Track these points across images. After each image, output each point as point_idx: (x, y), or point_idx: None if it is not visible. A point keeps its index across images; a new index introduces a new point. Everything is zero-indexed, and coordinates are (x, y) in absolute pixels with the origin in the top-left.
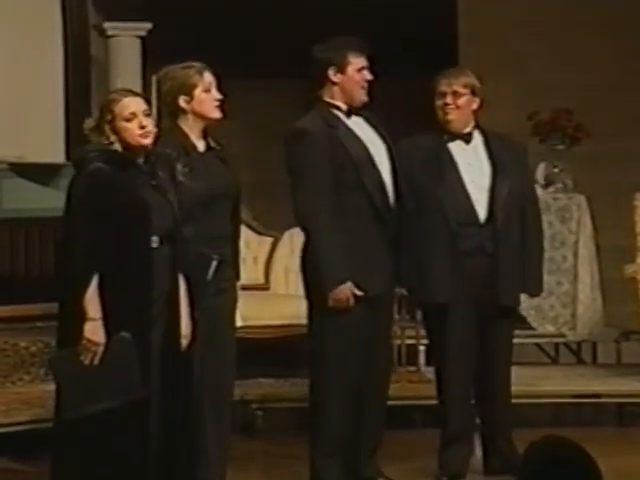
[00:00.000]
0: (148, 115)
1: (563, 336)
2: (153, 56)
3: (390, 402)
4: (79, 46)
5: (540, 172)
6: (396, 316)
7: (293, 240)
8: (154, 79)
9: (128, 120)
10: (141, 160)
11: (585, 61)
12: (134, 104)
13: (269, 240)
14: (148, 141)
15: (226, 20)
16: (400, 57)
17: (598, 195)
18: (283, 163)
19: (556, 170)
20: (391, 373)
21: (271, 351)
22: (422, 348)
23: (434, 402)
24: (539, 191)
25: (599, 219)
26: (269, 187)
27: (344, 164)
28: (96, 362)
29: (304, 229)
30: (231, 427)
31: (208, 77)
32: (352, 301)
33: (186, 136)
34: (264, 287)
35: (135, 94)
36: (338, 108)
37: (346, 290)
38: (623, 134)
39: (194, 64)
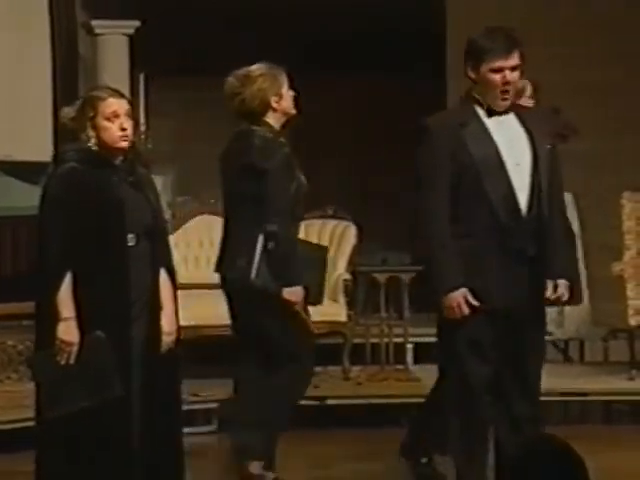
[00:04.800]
0: (130, 118)
1: (550, 334)
2: (141, 54)
3: (377, 400)
4: (67, 44)
5: None
6: (384, 314)
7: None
8: (141, 77)
9: (109, 120)
10: (118, 160)
11: (574, 60)
12: (118, 105)
13: None
14: (125, 144)
15: (213, 19)
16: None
17: (585, 193)
18: None
19: None
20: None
21: None
22: (410, 346)
23: (422, 400)
24: None
25: (586, 217)
26: None
27: (465, 166)
28: (71, 362)
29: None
30: (220, 424)
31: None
32: (466, 310)
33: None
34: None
35: (121, 95)
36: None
37: (459, 297)
38: (611, 133)
39: (271, 64)
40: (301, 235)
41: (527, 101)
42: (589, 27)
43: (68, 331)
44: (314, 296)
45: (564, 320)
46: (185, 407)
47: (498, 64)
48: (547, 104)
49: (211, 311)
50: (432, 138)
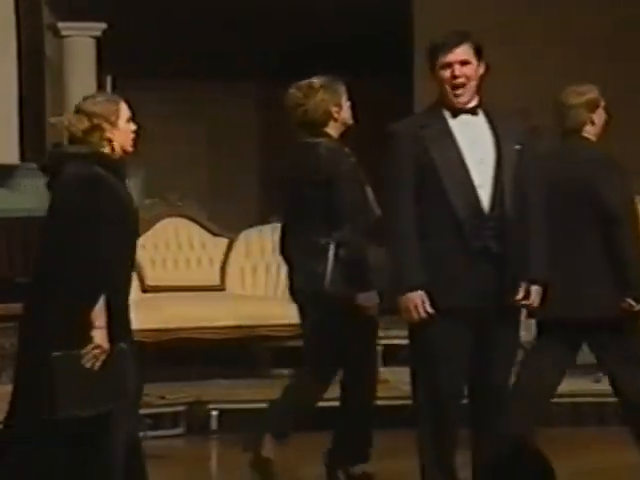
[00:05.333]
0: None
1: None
2: (108, 56)
3: None
4: (33, 46)
5: None
6: None
7: (248, 241)
8: (108, 80)
9: (127, 123)
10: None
11: (540, 64)
12: (127, 110)
13: (225, 241)
14: (132, 148)
15: (180, 21)
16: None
17: None
18: (236, 164)
19: None
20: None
21: (227, 352)
22: (379, 348)
23: (396, 403)
24: None
25: None
26: (225, 188)
27: (427, 167)
28: (96, 367)
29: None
30: (188, 428)
31: None
32: (422, 312)
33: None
34: (220, 288)
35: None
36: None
37: (416, 298)
38: None
39: (330, 76)
40: (270, 238)
41: None
42: (556, 32)
43: (104, 339)
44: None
45: (530, 323)
46: (153, 410)
47: (447, 59)
48: (511, 106)
49: (178, 313)
50: (395, 142)
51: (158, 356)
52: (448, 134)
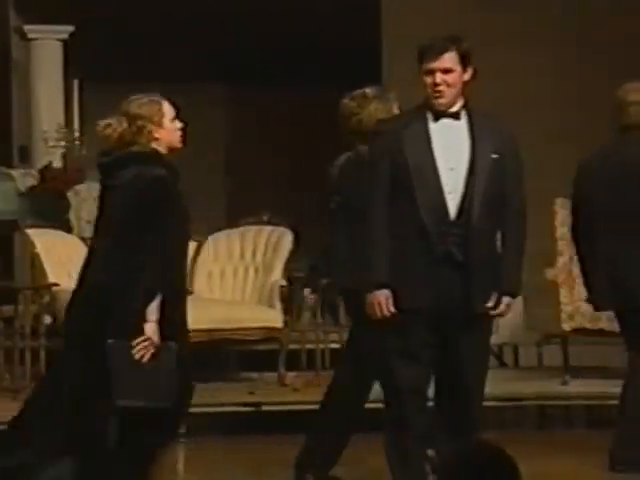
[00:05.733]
0: None
1: None
2: (74, 59)
3: (314, 406)
4: (0, 49)
5: None
6: (320, 320)
7: (217, 245)
8: (76, 82)
9: (172, 122)
10: None
11: (506, 71)
12: (171, 108)
13: (193, 245)
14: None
15: (147, 24)
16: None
17: None
18: (204, 167)
19: None
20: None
21: (194, 355)
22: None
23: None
24: None
25: None
26: (193, 191)
27: (400, 168)
28: (145, 360)
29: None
30: None
31: None
32: (386, 310)
33: None
34: (188, 292)
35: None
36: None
37: (381, 297)
38: (543, 141)
39: (381, 87)
40: (238, 242)
41: None
42: (521, 41)
43: (155, 332)
44: None
45: (498, 325)
46: None
47: (429, 66)
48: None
49: None
50: (377, 139)
51: None
52: (425, 136)
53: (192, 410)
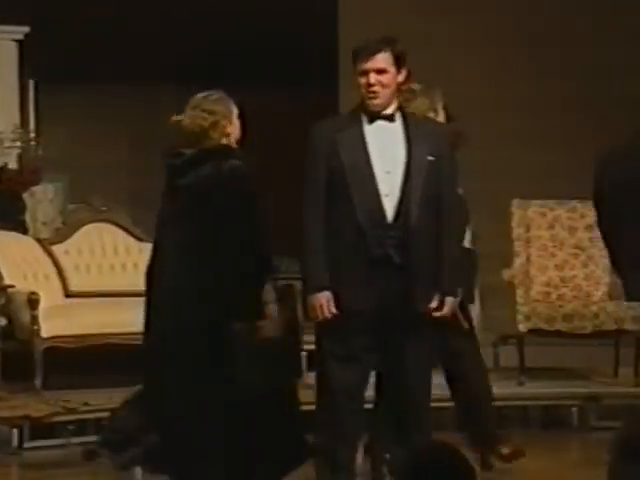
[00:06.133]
0: None
1: None
2: (30, 60)
3: None
4: None
5: None
6: None
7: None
8: (31, 83)
9: (237, 119)
10: None
11: (462, 74)
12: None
13: (149, 246)
14: None
15: (102, 24)
16: (278, 69)
17: (475, 201)
18: (160, 169)
19: None
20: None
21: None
22: (304, 354)
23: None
24: None
25: (476, 225)
26: (149, 193)
27: (336, 171)
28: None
29: None
30: None
31: None
32: (327, 312)
33: None
34: (144, 294)
35: None
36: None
37: (322, 299)
38: (499, 143)
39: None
40: None
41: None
42: (481, 43)
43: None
44: (468, 297)
45: None
46: (76, 417)
47: (364, 66)
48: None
49: (103, 319)
50: (310, 142)
51: (82, 362)
52: (360, 139)
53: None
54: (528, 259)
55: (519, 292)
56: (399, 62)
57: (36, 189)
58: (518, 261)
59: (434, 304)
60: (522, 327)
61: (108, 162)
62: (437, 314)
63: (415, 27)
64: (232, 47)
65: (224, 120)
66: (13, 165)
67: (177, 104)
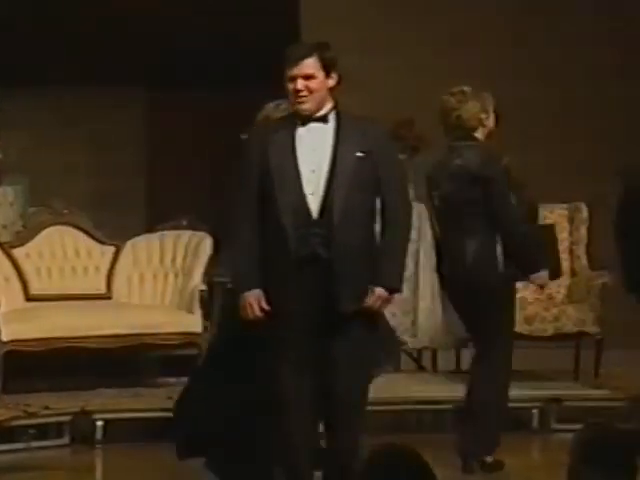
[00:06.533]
0: None
1: (404, 343)
2: None
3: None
4: None
5: None
6: None
7: (135, 249)
8: None
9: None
10: None
11: (426, 74)
12: None
13: (111, 249)
14: None
15: (62, 27)
16: (241, 71)
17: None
18: (122, 171)
19: None
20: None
21: (113, 361)
22: None
23: None
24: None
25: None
26: (110, 196)
27: (265, 172)
28: None
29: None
30: (72, 438)
31: None
32: (257, 311)
33: None
34: (106, 296)
35: None
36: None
37: (250, 298)
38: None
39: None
40: (157, 246)
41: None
42: (439, 41)
43: None
44: (554, 271)
45: (417, 330)
46: (37, 420)
47: (291, 73)
48: (400, 116)
49: (64, 322)
50: (245, 146)
51: (43, 366)
52: (289, 142)
53: (109, 417)
54: None
55: None
56: (327, 67)
57: None
58: None
59: (370, 300)
60: None
61: (68, 165)
62: (365, 305)
63: (376, 34)
64: (199, 49)
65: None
66: None
67: (139, 106)
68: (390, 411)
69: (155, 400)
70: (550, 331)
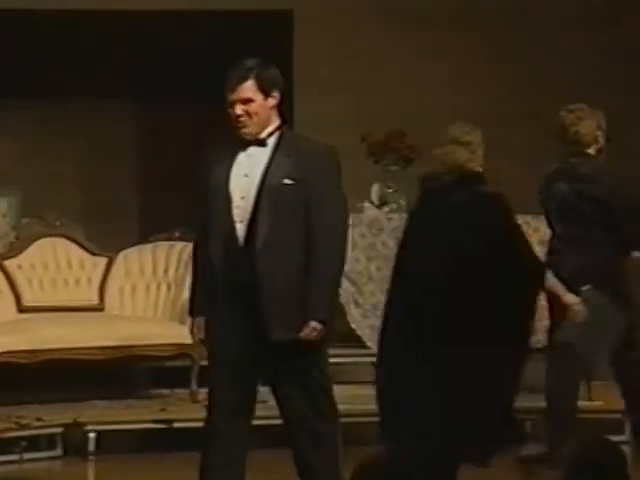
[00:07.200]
0: None
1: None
2: None
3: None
4: None
5: (374, 192)
6: None
7: (127, 261)
8: None
9: None
10: None
11: (418, 86)
12: None
13: (103, 260)
14: None
15: (53, 37)
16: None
17: None
18: (114, 182)
19: (390, 190)
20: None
21: (105, 372)
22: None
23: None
24: (373, 211)
25: None
26: (102, 207)
27: (209, 198)
28: None
29: None
30: (65, 449)
31: None
32: (197, 339)
33: None
34: (98, 308)
35: None
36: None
37: (196, 323)
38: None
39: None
40: (149, 258)
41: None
42: (430, 51)
43: None
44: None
45: None
46: (29, 432)
47: (229, 98)
48: (394, 127)
49: (56, 334)
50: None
51: (35, 377)
52: (227, 167)
53: (102, 428)
54: None
55: None
56: (266, 88)
57: None
58: None
59: (304, 332)
60: None
61: (60, 175)
62: (300, 336)
63: (371, 43)
64: (184, 58)
65: (480, 150)
66: None
67: (131, 118)
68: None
69: (147, 411)
70: (543, 342)
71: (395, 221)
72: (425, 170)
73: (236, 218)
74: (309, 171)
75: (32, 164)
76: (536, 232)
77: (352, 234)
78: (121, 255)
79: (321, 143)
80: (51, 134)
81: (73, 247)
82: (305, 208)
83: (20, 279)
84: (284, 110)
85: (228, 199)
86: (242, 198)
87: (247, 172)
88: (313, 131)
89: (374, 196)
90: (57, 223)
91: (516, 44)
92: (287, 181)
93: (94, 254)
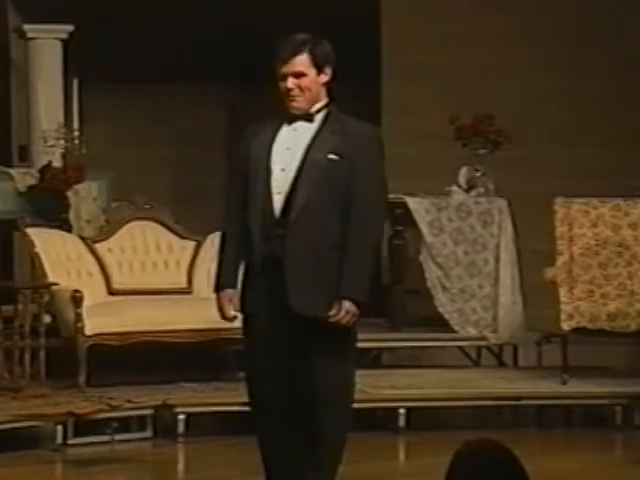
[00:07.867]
0: None
1: (485, 339)
2: (74, 59)
3: None
4: None
5: (462, 176)
6: None
7: (215, 244)
8: (75, 82)
9: None
10: None
11: (507, 70)
12: None
13: (192, 244)
14: None
15: (147, 23)
16: None
17: (518, 200)
18: (204, 167)
19: (478, 174)
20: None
21: (194, 355)
22: None
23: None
24: (461, 195)
25: (519, 223)
26: (191, 191)
27: (247, 171)
28: None
29: None
30: (155, 431)
31: None
32: (229, 312)
33: None
34: (187, 291)
35: None
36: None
37: (222, 298)
38: (542, 141)
39: None
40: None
41: None
42: (519, 37)
43: None
44: None
45: (498, 325)
46: (120, 414)
47: (281, 71)
48: (482, 111)
49: (145, 317)
50: (240, 143)
51: (125, 359)
52: (269, 141)
53: (191, 410)
54: (571, 258)
55: (562, 291)
56: (319, 63)
57: (80, 187)
58: (561, 260)
59: (336, 314)
60: (565, 326)
61: (151, 160)
62: (332, 319)
63: (459, 26)
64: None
65: None
66: (57, 163)
67: (225, 102)
68: (470, 407)
69: (235, 394)
70: (633, 327)
71: (483, 205)
72: (512, 154)
73: (274, 190)
74: (353, 150)
75: (124, 148)
76: (627, 216)
77: (439, 217)
78: (209, 238)
79: (367, 124)
80: (142, 119)
81: (162, 230)
82: (345, 186)
83: (110, 262)
84: (372, 94)
85: (268, 170)
86: (282, 170)
87: (290, 145)
88: (401, 114)
89: (462, 180)
90: (146, 207)
91: (610, 30)
92: (331, 156)
93: (183, 237)
